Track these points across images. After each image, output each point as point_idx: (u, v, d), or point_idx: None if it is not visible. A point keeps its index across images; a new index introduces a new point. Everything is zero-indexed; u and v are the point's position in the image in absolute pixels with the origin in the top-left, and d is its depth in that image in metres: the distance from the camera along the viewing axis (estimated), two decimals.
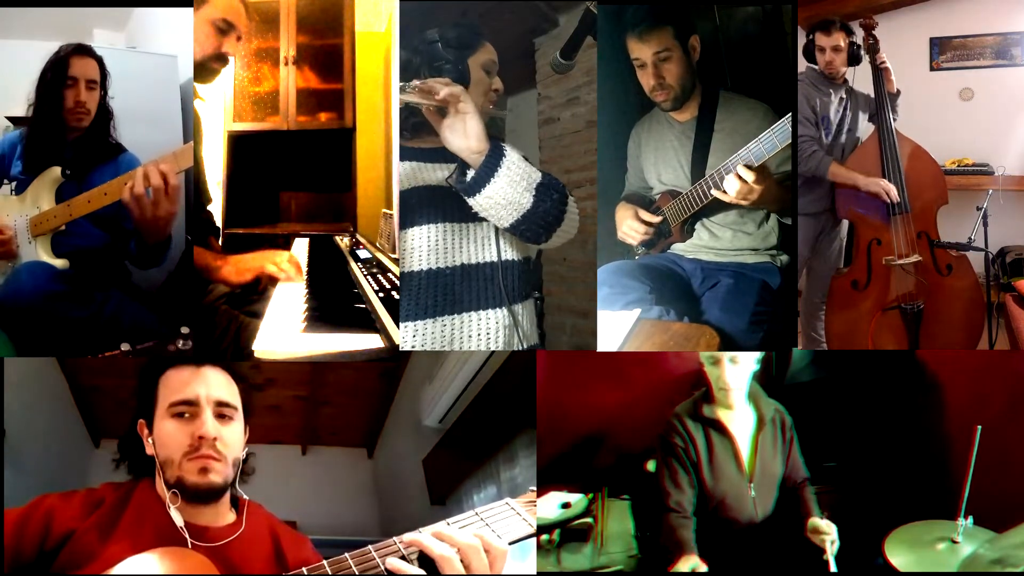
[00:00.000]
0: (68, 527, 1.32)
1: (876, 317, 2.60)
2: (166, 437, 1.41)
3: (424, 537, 1.30)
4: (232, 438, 1.44)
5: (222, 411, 1.45)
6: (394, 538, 1.34)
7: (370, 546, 1.32)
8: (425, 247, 1.72)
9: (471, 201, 1.65)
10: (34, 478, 2.38)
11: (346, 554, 1.31)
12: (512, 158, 1.62)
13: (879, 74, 2.62)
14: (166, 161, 2.04)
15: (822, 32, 2.64)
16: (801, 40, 2.67)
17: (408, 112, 1.77)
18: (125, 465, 1.51)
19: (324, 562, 1.31)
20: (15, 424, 2.20)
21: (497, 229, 1.77)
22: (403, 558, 1.29)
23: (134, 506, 1.38)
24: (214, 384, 1.46)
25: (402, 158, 1.79)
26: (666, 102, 2.26)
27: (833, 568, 1.62)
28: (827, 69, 2.66)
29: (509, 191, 1.62)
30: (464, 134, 1.59)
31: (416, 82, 1.60)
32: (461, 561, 1.27)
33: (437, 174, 1.76)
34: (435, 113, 1.62)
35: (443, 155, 1.69)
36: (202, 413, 1.42)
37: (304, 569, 1.31)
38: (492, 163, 1.60)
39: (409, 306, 1.71)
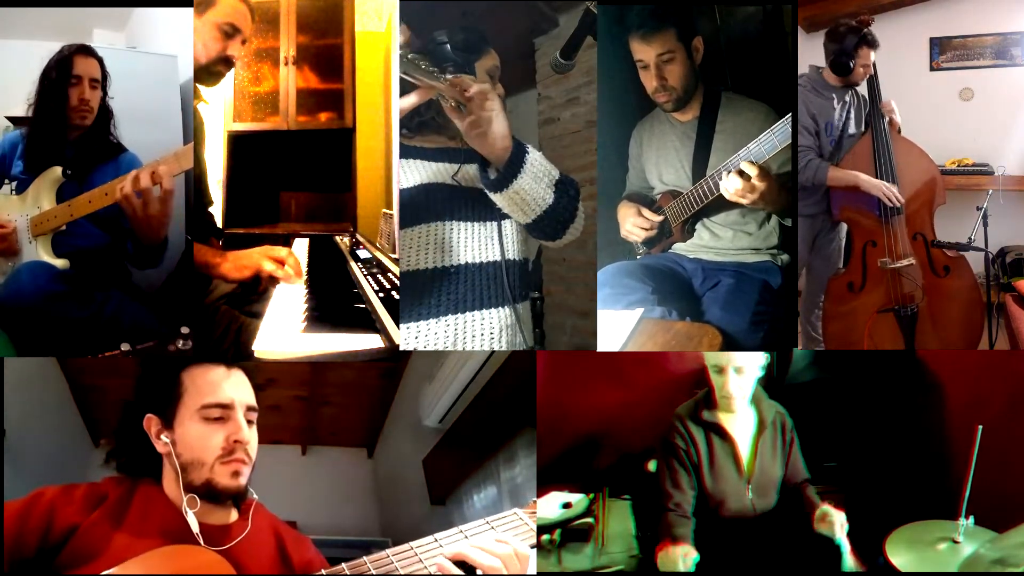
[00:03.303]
0: (71, 522, 1.31)
1: (871, 319, 2.60)
2: (195, 439, 1.39)
3: (466, 547, 1.32)
4: (255, 441, 1.44)
5: (249, 416, 1.44)
6: (410, 543, 1.34)
7: (387, 550, 1.32)
8: (429, 245, 1.73)
9: (496, 197, 1.66)
10: (34, 478, 2.37)
11: (364, 558, 1.31)
12: (535, 155, 1.65)
13: (875, 79, 2.61)
14: (166, 162, 2.04)
15: (868, 47, 2.61)
16: (809, 41, 2.66)
17: (413, 111, 1.77)
18: (115, 462, 1.47)
19: (344, 565, 1.32)
20: (15, 424, 2.20)
21: (500, 228, 1.78)
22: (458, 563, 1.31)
23: (138, 503, 1.37)
24: (243, 387, 1.45)
25: (406, 157, 1.79)
26: (668, 103, 2.26)
27: (847, 548, 1.62)
28: (858, 80, 2.65)
29: (534, 187, 1.64)
30: (491, 131, 1.59)
31: (448, 76, 1.58)
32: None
33: (441, 173, 1.76)
34: (455, 109, 1.61)
35: (447, 155, 1.69)
36: (236, 416, 1.41)
37: (323, 571, 1.33)
38: (518, 160, 1.62)
39: (411, 305, 1.71)
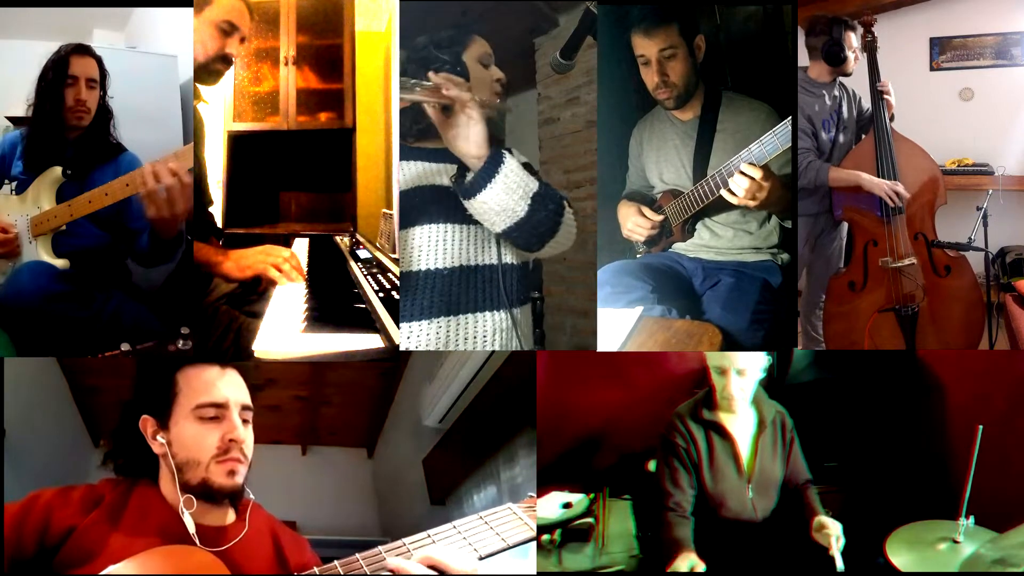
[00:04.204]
0: (68, 523, 1.31)
1: (872, 318, 2.60)
2: (190, 439, 1.39)
3: (404, 562, 1.29)
4: (251, 441, 1.44)
5: (244, 415, 1.44)
6: (403, 539, 1.34)
7: (380, 547, 1.32)
8: (426, 247, 1.73)
9: (466, 203, 1.67)
10: (34, 478, 2.37)
11: (357, 555, 1.31)
12: (511, 166, 1.63)
13: (875, 78, 2.62)
14: (168, 161, 2.04)
15: (851, 31, 2.62)
16: (801, 39, 2.67)
17: (415, 115, 1.77)
18: (112, 463, 1.47)
19: (336, 563, 1.31)
20: (15, 424, 2.20)
21: None
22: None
23: (135, 504, 1.37)
24: (238, 386, 1.46)
25: (409, 158, 1.80)
26: (669, 100, 2.26)
27: (840, 566, 1.62)
28: (850, 69, 2.66)
29: (504, 198, 1.63)
30: (466, 139, 1.60)
31: (431, 78, 1.60)
32: None
33: (442, 175, 1.77)
34: (440, 113, 1.62)
35: (449, 156, 1.70)
36: (231, 416, 1.41)
37: (316, 569, 1.33)
38: (490, 169, 1.62)
39: (408, 306, 1.71)
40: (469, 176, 1.64)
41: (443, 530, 1.39)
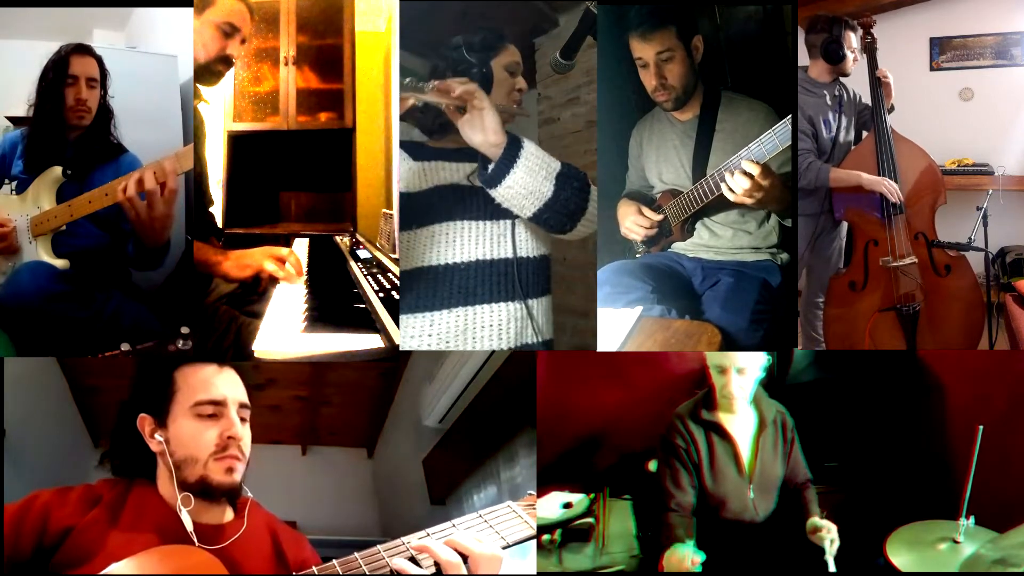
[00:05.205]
0: (66, 523, 1.31)
1: (873, 318, 2.60)
2: (188, 437, 1.39)
3: (432, 542, 1.31)
4: (248, 438, 1.45)
5: (242, 413, 1.45)
6: (402, 539, 1.34)
7: (379, 546, 1.33)
8: (444, 243, 1.77)
9: (493, 192, 1.70)
10: (34, 478, 2.38)
11: (356, 554, 1.32)
12: (530, 149, 1.68)
13: (876, 79, 2.62)
14: (168, 163, 2.04)
15: (851, 31, 2.63)
16: (801, 38, 2.67)
17: (435, 113, 1.80)
18: (109, 463, 1.47)
19: (335, 561, 1.32)
20: (15, 424, 2.20)
21: (513, 226, 1.82)
22: (412, 560, 1.31)
23: (133, 503, 1.37)
24: (236, 384, 1.46)
25: (428, 158, 1.82)
26: (667, 102, 2.26)
27: (832, 568, 1.62)
28: (849, 69, 2.66)
29: (529, 180, 1.67)
30: (481, 128, 1.64)
31: (434, 82, 1.65)
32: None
33: (458, 173, 1.81)
34: (455, 111, 1.67)
35: (467, 155, 1.74)
36: (229, 413, 1.41)
37: (314, 568, 1.33)
38: (511, 154, 1.66)
39: (422, 297, 1.76)
40: (491, 166, 1.68)
41: (442, 528, 1.39)
